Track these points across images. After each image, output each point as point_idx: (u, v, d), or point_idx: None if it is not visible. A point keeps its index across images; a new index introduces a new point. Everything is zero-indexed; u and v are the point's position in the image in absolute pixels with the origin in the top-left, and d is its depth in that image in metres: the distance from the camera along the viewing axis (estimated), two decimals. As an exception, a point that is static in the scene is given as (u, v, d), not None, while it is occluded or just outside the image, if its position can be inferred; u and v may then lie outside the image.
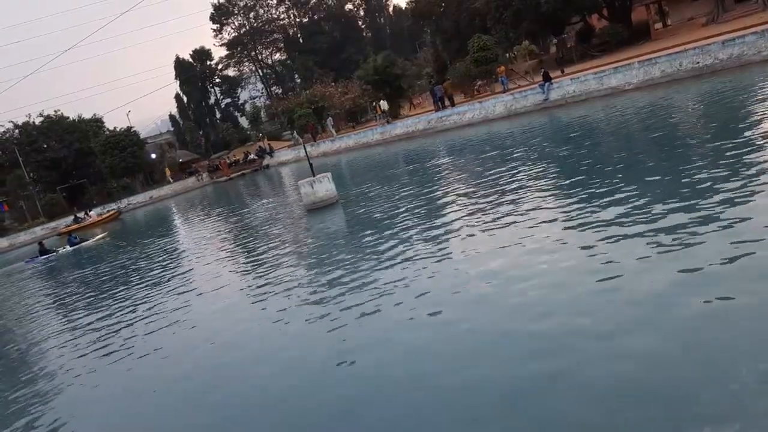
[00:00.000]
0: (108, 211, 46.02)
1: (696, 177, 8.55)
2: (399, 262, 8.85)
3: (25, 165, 58.51)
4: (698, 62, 21.29)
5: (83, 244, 27.89)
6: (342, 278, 8.91)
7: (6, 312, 16.63)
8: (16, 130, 61.02)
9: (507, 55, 43.25)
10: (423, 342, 6.00)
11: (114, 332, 9.89)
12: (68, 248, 27.83)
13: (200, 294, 10.92)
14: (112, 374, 7.90)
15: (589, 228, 7.78)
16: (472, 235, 9.19)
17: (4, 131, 61.04)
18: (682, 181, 8.56)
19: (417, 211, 12.37)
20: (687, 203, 7.55)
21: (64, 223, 48.53)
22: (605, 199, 8.82)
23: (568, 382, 4.55)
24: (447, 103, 36.46)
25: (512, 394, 4.65)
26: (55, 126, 61.62)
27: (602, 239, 7.20)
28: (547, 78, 27.29)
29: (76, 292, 15.60)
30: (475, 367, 5.20)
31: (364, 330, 6.75)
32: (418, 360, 5.65)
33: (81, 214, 44.71)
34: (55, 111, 63.10)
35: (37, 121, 61.66)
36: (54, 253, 27.90)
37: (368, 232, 11.68)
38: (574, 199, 9.43)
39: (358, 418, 5.00)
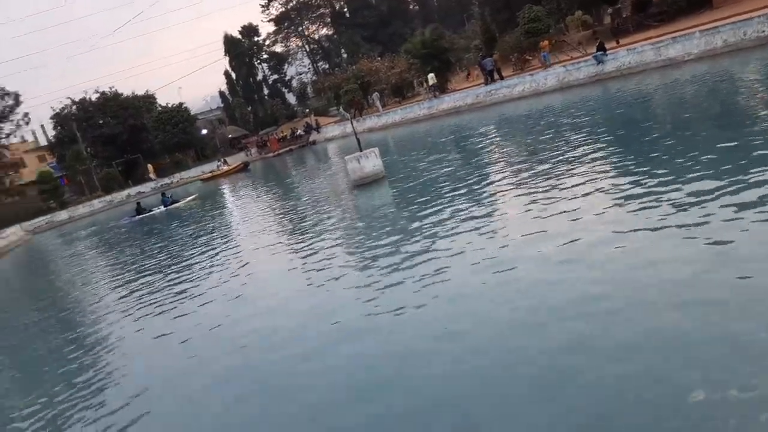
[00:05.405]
0: (229, 164, 50.80)
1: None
2: (447, 237, 8.74)
3: (82, 140, 60.58)
4: (764, 30, 20.09)
5: (175, 204, 29.26)
6: (390, 252, 8.88)
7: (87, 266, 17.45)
8: (74, 106, 62.99)
9: (559, 25, 41.83)
10: (480, 320, 5.95)
11: (166, 300, 10.21)
12: (162, 208, 29.17)
13: (251, 272, 11.16)
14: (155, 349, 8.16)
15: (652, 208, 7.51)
16: (524, 207, 8.98)
17: (62, 107, 63.18)
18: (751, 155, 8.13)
19: (465, 185, 12.18)
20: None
21: (119, 197, 52.68)
22: (663, 174, 8.49)
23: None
24: (496, 76, 35.69)
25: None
26: (110, 102, 63.25)
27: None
28: (601, 48, 26.35)
29: (152, 251, 16.35)
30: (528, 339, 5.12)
31: (415, 309, 6.73)
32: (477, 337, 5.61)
33: (221, 162, 52.81)
34: (110, 87, 64.78)
35: (93, 97, 63.46)
36: (150, 213, 29.24)
37: (416, 207, 11.59)
38: (635, 176, 9.07)
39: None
